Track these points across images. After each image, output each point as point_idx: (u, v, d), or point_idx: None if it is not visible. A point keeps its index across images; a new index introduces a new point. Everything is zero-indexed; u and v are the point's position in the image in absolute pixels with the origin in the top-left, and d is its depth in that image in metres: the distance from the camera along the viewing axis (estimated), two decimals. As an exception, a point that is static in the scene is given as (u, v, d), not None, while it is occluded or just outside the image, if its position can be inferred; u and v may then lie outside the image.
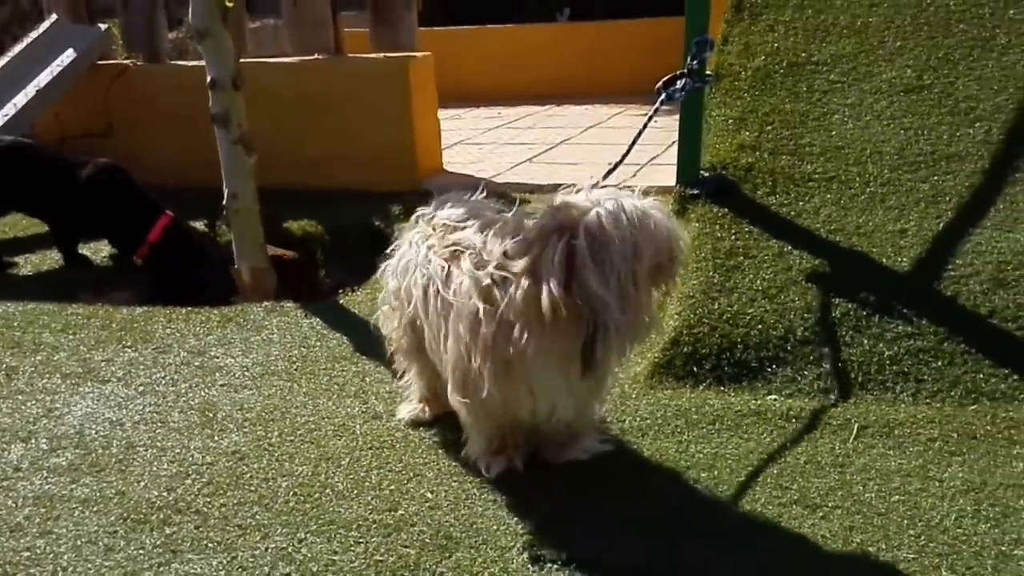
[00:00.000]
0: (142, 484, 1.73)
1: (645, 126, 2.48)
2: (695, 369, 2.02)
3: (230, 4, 2.59)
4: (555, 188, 4.32)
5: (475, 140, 5.37)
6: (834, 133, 2.61)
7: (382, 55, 4.02)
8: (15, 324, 2.60)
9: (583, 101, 6.41)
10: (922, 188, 2.37)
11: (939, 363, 1.93)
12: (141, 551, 1.52)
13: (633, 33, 6.46)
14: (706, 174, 2.58)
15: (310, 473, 1.74)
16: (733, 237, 2.35)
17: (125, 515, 1.63)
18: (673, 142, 4.56)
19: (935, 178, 2.39)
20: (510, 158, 4.69)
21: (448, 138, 4.93)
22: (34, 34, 4.21)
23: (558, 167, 4.40)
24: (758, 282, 2.19)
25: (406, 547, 1.50)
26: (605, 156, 4.45)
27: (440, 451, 1.80)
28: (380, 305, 1.86)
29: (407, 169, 4.06)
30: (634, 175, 4.14)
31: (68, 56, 4.04)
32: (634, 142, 2.48)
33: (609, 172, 2.49)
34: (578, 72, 6.65)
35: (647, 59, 5.96)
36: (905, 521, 1.49)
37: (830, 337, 2.02)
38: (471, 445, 1.71)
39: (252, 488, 1.70)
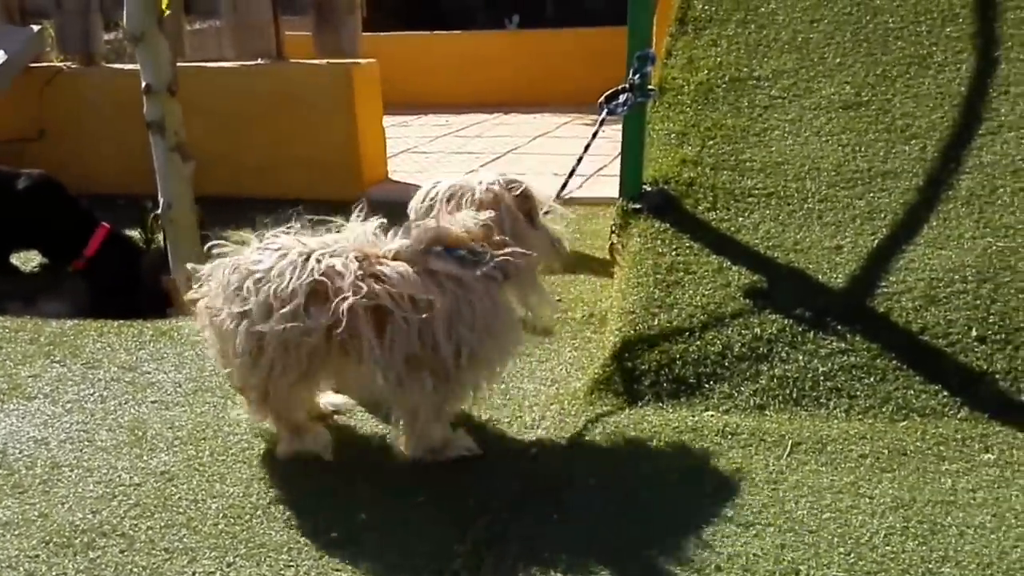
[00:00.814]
0: (66, 506, 1.67)
1: (589, 144, 2.49)
2: (634, 386, 2.02)
3: (167, 10, 2.53)
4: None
5: (422, 148, 5.34)
6: (774, 149, 2.64)
7: (325, 61, 3.98)
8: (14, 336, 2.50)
9: (532, 110, 6.42)
10: (858, 205, 2.41)
11: (871, 379, 1.96)
12: (61, 578, 1.46)
13: (582, 42, 6.49)
14: (649, 188, 2.60)
15: (241, 494, 1.70)
16: (674, 253, 2.36)
17: (47, 539, 1.57)
18: (619, 153, 4.59)
19: (871, 195, 2.44)
20: (457, 167, 4.68)
21: (394, 146, 4.89)
22: (-37, 34, 4.08)
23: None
24: (698, 298, 2.21)
25: (337, 571, 1.47)
26: (552, 166, 4.47)
27: (369, 472, 1.77)
28: None
29: (351, 178, 4.01)
30: (580, 186, 4.14)
31: (-1, 57, 3.93)
32: (579, 161, 2.50)
33: (561, 189, 2.50)
34: (527, 80, 6.67)
35: (596, 68, 5.99)
36: (835, 539, 1.51)
37: (766, 353, 2.05)
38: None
39: (180, 510, 1.65)
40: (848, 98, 2.74)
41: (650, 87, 2.55)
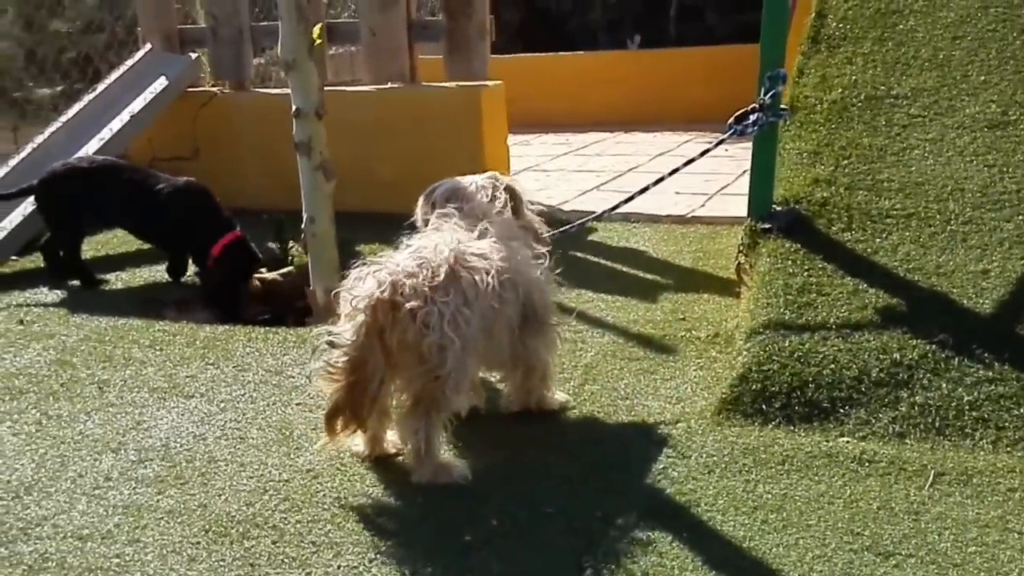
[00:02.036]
0: (223, 498, 1.79)
1: (702, 155, 2.51)
2: (764, 407, 2.00)
3: (319, 41, 2.69)
4: (623, 217, 4.33)
5: (543, 167, 5.42)
6: (914, 169, 2.57)
7: (455, 84, 4.11)
8: (107, 339, 2.72)
9: (653, 128, 6.41)
10: (1006, 228, 2.32)
11: (1021, 410, 1.88)
12: (222, 563, 1.57)
13: (703, 60, 6.45)
14: (779, 208, 2.57)
15: (380, 494, 1.78)
16: (806, 273, 2.33)
17: (207, 527, 1.69)
18: (744, 171, 4.54)
19: (1020, 217, 2.33)
20: (577, 185, 4.72)
21: (516, 164, 4.98)
22: (129, 63, 4.44)
23: (625, 195, 4.41)
24: (831, 320, 2.17)
25: (471, 574, 1.52)
26: (673, 184, 4.43)
27: (499, 479, 1.82)
28: None
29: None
30: (703, 205, 4.12)
31: (160, 84, 4.25)
32: (672, 172, 2.53)
33: (642, 190, 2.54)
34: (648, 99, 6.66)
35: (717, 86, 5.96)
36: (982, 573, 1.46)
37: (907, 379, 1.99)
38: None
39: (325, 506, 1.75)
40: (994, 117, 2.63)
41: (782, 107, 2.52)
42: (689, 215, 3.99)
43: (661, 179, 2.60)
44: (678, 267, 3.31)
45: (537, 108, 6.70)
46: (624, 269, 3.36)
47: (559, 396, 2.13)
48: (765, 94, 2.48)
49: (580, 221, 2.66)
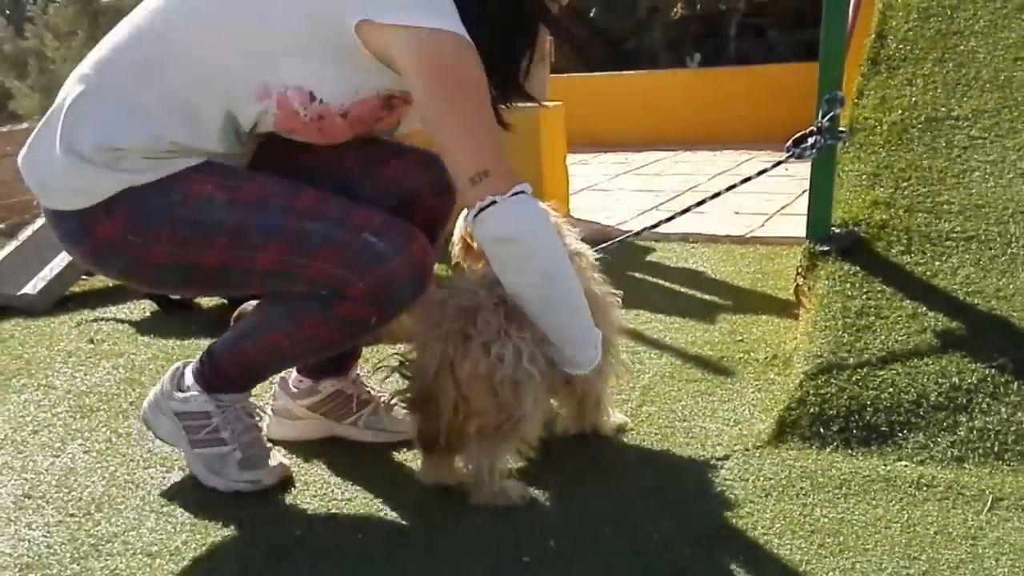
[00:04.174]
0: (288, 517, 1.88)
1: (759, 174, 2.53)
2: (822, 430, 2.02)
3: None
4: (682, 237, 4.35)
5: (601, 186, 5.48)
6: (974, 191, 2.56)
7: (516, 106, 4.20)
8: (174, 357, 2.83)
9: (713, 147, 6.42)
10: (1069, 251, 2.29)
11: (1083, 435, 1.86)
12: (293, 577, 1.66)
13: (764, 79, 6.43)
14: (837, 230, 2.58)
15: (438, 517, 1.85)
16: (864, 296, 2.33)
17: (272, 546, 1.78)
18: (804, 191, 4.53)
19: (1083, 240, 2.31)
20: (636, 205, 4.77)
21: (575, 184, 5.06)
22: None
23: (683, 216, 4.43)
24: (890, 343, 2.17)
25: None
26: (732, 204, 4.46)
27: (557, 499, 1.88)
28: None
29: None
30: (762, 225, 4.13)
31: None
32: (729, 188, 2.56)
33: (698, 203, 2.57)
34: (707, 118, 6.67)
35: (779, 105, 5.95)
36: (1042, 601, 1.46)
37: (966, 403, 1.99)
38: None
39: (384, 528, 1.82)
40: (1058, 138, 2.61)
41: (840, 129, 2.54)
42: (748, 235, 4.00)
43: (716, 195, 2.63)
44: (736, 288, 3.33)
45: (596, 128, 6.77)
46: (682, 290, 3.39)
47: (617, 418, 2.16)
48: (823, 117, 2.50)
49: (622, 236, 2.69)
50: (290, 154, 1.89)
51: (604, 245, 2.32)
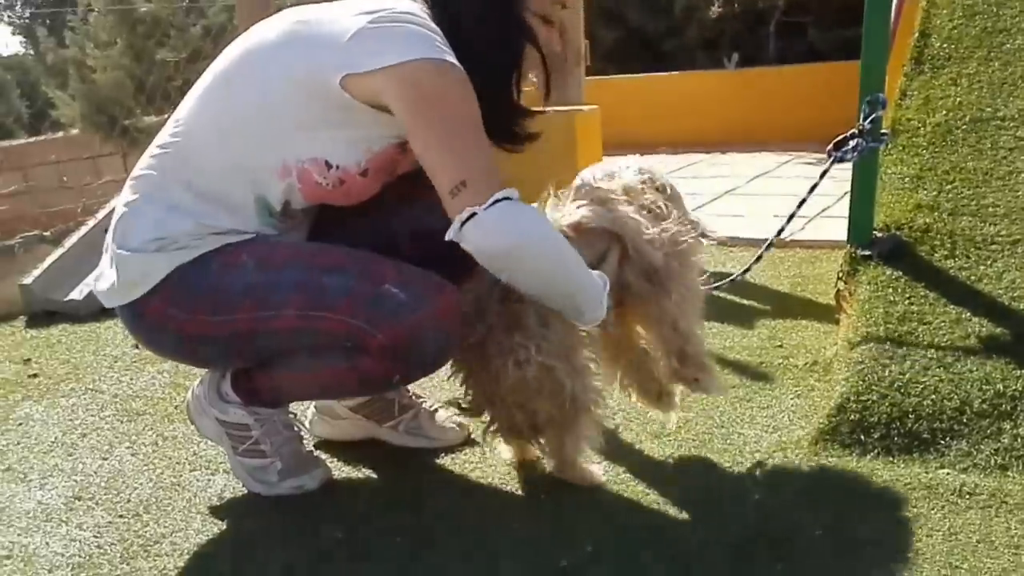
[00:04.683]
0: (331, 520, 1.91)
1: (814, 187, 2.49)
2: (863, 437, 2.00)
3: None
4: (720, 242, 4.31)
5: (640, 188, 5.44)
6: (1020, 194, 2.51)
7: (552, 109, 4.20)
8: None
9: (750, 149, 6.36)
10: (1120, 255, 2.24)
11: None
12: (333, 580, 1.69)
13: (803, 79, 6.36)
14: (879, 234, 2.54)
15: (474, 520, 1.87)
16: (907, 301, 2.30)
17: (318, 548, 1.80)
18: (845, 193, 4.44)
19: None
20: (676, 207, 4.73)
21: (613, 185, 5.01)
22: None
23: (722, 219, 4.40)
24: (933, 350, 2.14)
25: None
26: (771, 208, 4.42)
27: (593, 505, 1.88)
28: None
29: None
30: (803, 228, 4.08)
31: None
32: (800, 204, 2.51)
33: (779, 232, 2.52)
34: (746, 119, 6.61)
35: (817, 105, 5.88)
36: (1090, 614, 1.43)
37: (1010, 411, 1.95)
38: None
39: (428, 523, 1.84)
40: (1106, 138, 2.54)
41: (883, 131, 2.50)
42: (788, 239, 3.94)
43: (802, 202, 2.53)
44: (776, 292, 3.29)
45: (632, 130, 6.72)
46: (720, 294, 3.36)
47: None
48: (864, 119, 2.46)
49: (731, 277, 2.59)
50: (340, 216, 1.94)
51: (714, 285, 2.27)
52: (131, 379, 2.86)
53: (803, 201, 2.54)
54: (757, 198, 4.86)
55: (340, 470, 2.12)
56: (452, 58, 1.68)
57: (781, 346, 2.71)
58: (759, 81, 6.70)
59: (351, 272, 1.77)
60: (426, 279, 1.77)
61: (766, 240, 3.94)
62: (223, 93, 1.83)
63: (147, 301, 1.80)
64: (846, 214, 2.68)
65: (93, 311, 3.63)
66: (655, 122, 6.93)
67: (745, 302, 3.22)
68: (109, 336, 3.34)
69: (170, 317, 1.80)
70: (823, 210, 4.35)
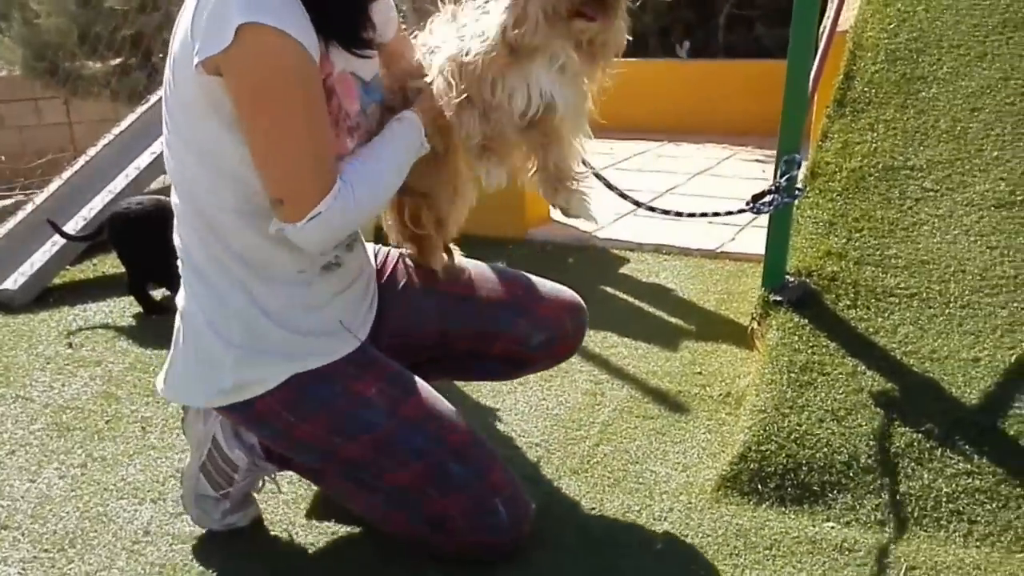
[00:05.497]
0: (261, 557, 2.05)
1: (727, 213, 2.65)
2: (759, 487, 2.19)
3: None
4: (655, 248, 4.43)
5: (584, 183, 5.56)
6: (921, 246, 2.70)
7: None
8: (151, 369, 2.96)
9: (696, 139, 6.52)
10: (1000, 314, 2.44)
11: (993, 505, 2.04)
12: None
13: (751, 73, 6.51)
14: (791, 280, 2.72)
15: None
16: (810, 351, 2.49)
17: (255, 587, 1.95)
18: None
19: (1014, 304, 2.46)
20: (615, 207, 4.85)
21: (557, 182, 5.12)
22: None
23: (660, 223, 4.54)
24: (829, 402, 2.33)
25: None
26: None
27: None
28: None
29: (514, 215, 4.27)
30: (733, 239, 4.26)
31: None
32: (677, 213, 2.65)
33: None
34: (693, 109, 6.76)
35: (761, 100, 6.03)
36: (932, 674, 1.64)
37: (893, 467, 2.15)
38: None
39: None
40: (1002, 196, 2.74)
41: (797, 187, 2.66)
42: (719, 249, 4.14)
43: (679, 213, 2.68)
44: (702, 310, 3.48)
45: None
46: (650, 309, 3.54)
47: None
48: (781, 177, 2.61)
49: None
50: (452, 284, 2.07)
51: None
52: (63, 384, 2.91)
53: (716, 213, 2.71)
54: (695, 199, 5.02)
55: (270, 513, 2.26)
56: (276, 18, 1.57)
57: (700, 373, 2.90)
58: (707, 73, 6.85)
59: (474, 467, 1.88)
60: (523, 499, 1.94)
61: (699, 249, 4.16)
62: (175, 168, 1.82)
63: (260, 397, 1.84)
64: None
65: (27, 301, 3.63)
66: (607, 106, 7.03)
67: (672, 321, 3.40)
68: (43, 332, 3.36)
69: (282, 418, 1.86)
70: (753, 219, 4.52)
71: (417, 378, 1.94)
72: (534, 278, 2.21)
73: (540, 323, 2.11)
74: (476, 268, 2.19)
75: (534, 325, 2.10)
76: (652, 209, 2.63)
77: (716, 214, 2.73)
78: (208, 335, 1.86)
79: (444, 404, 1.94)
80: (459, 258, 2.19)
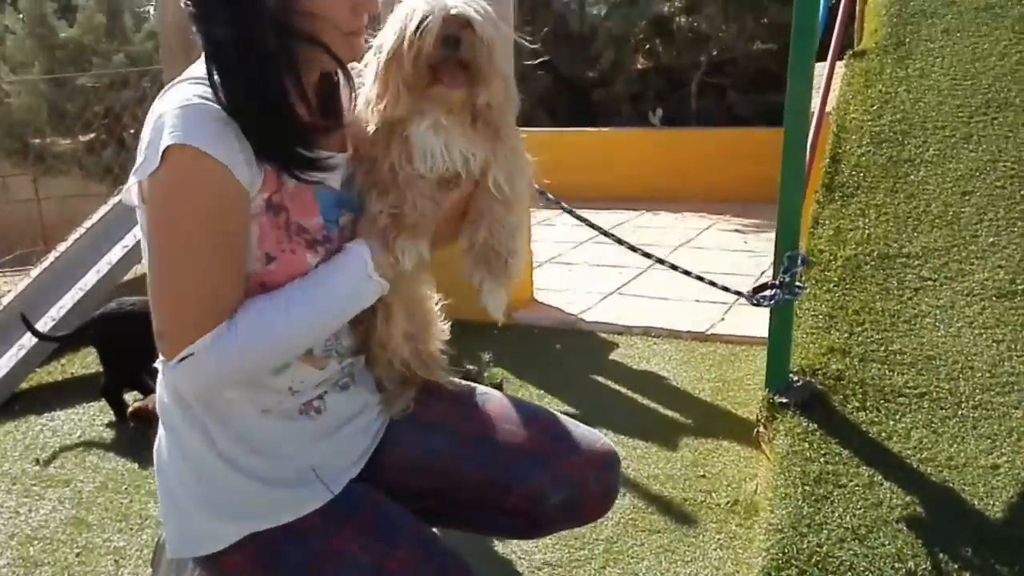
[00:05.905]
0: None
1: (719, 285, 2.58)
2: (781, 618, 2.06)
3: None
4: (644, 331, 4.35)
5: (564, 258, 5.52)
6: (925, 340, 2.62)
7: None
8: (123, 488, 2.81)
9: (674, 208, 6.51)
10: (1014, 415, 2.36)
11: (1031, 633, 1.93)
12: None
13: (726, 142, 6.55)
14: (795, 380, 2.63)
15: None
16: (823, 459, 2.38)
17: None
18: (762, 272, 4.58)
19: (1029, 403, 2.38)
20: (599, 286, 4.81)
21: (539, 253, 5.06)
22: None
23: (646, 302, 4.48)
24: (848, 518, 2.22)
25: None
26: (693, 292, 4.51)
27: None
28: None
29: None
30: (722, 318, 4.19)
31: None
32: (671, 265, 2.60)
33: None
34: (669, 177, 6.78)
35: (740, 168, 6.06)
36: None
37: (920, 591, 2.04)
38: None
39: None
40: (1002, 285, 2.68)
41: (798, 285, 2.59)
42: (709, 331, 4.06)
43: (673, 266, 2.64)
44: (697, 400, 3.38)
45: (561, 182, 6.78)
46: (644, 401, 3.44)
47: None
48: (784, 273, 2.54)
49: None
50: (468, 420, 1.83)
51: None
52: (29, 511, 2.74)
53: (709, 282, 2.65)
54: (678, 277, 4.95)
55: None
56: (205, 141, 1.47)
57: (704, 476, 2.78)
58: (681, 142, 6.89)
59: None
60: None
61: (688, 331, 4.08)
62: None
63: (226, 554, 1.66)
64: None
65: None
66: (583, 175, 7.03)
67: (668, 413, 3.29)
68: (9, 446, 3.19)
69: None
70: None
71: (410, 518, 1.78)
72: (567, 421, 1.89)
73: (561, 479, 1.81)
74: (500, 403, 1.91)
75: (554, 480, 1.80)
76: (661, 262, 2.60)
77: (713, 284, 2.67)
78: (172, 476, 1.69)
79: (437, 547, 1.71)
80: (482, 387, 2.00)
